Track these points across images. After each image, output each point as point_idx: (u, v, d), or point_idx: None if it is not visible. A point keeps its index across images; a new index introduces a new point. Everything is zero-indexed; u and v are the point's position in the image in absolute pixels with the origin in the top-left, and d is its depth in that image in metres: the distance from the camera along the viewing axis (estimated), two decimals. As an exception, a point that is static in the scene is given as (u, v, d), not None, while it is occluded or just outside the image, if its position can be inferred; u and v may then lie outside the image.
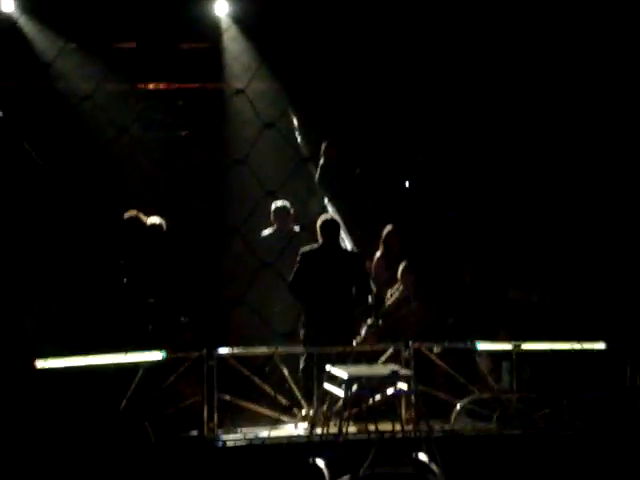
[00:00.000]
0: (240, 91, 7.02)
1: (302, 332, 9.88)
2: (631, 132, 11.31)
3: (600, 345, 9.69)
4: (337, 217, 11.44)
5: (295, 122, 12.72)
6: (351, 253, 10.40)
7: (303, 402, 9.48)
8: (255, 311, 8.76)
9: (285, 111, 11.06)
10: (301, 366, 9.74)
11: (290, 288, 9.79)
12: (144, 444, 8.82)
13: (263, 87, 11.81)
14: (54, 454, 8.47)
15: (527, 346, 9.76)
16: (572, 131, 11.43)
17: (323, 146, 12.35)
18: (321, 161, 12.35)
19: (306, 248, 9.92)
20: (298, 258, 9.81)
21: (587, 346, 9.65)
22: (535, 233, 10.87)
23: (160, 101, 12.91)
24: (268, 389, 9.39)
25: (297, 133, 12.77)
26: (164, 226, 10.35)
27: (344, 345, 9.43)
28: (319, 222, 10.08)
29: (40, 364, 8.87)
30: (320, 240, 9.98)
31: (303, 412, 9.48)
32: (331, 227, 10.04)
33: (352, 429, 8.90)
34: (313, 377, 9.39)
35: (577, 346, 9.57)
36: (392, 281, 10.72)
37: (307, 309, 9.80)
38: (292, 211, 11.31)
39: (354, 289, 9.89)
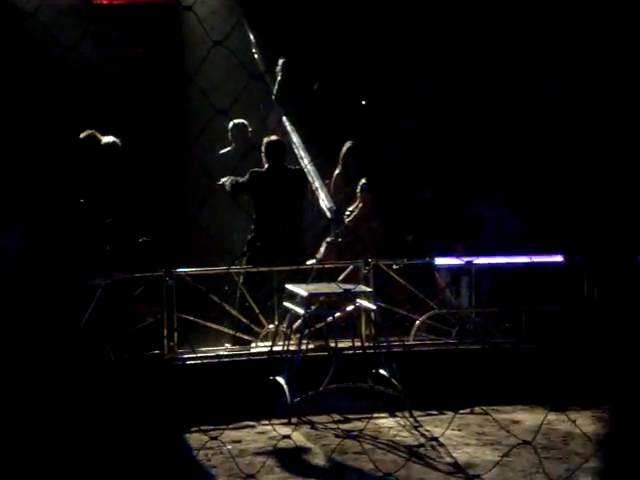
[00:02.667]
0: (188, 8, 6.86)
1: (246, 247, 9.87)
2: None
3: (558, 258, 9.72)
4: (295, 134, 11.41)
5: (252, 37, 12.55)
6: (296, 171, 10.31)
7: (262, 320, 9.48)
8: (207, 231, 8.72)
9: (236, 24, 10.88)
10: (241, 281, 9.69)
11: (232, 187, 9.89)
12: (103, 363, 8.81)
13: (218, 3, 11.62)
14: (12, 373, 8.46)
15: (485, 261, 9.80)
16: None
17: (280, 62, 12.21)
18: (278, 77, 12.22)
19: (255, 169, 9.90)
20: (247, 175, 9.81)
21: (545, 259, 9.69)
22: (496, 144, 10.81)
23: (114, 17, 12.66)
24: (228, 308, 9.39)
25: (254, 49, 12.60)
26: (119, 145, 10.23)
27: (292, 260, 9.42)
28: (264, 143, 10.04)
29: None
30: (265, 162, 9.94)
31: (263, 330, 9.48)
32: (276, 148, 9.99)
33: (312, 346, 8.94)
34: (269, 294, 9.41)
35: (535, 259, 9.60)
36: (351, 198, 10.70)
37: (254, 227, 9.79)
38: (250, 129, 11.22)
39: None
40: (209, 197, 7.42)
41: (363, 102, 12.30)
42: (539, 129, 10.86)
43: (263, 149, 10.02)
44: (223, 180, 10.04)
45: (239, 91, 8.65)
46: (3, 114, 9.85)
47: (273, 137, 10.22)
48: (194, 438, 7.82)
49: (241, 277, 9.58)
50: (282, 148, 10.12)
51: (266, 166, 9.98)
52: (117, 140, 10.19)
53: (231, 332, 9.47)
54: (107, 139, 10.17)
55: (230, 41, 8.87)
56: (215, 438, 7.14)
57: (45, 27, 7.45)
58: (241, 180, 9.89)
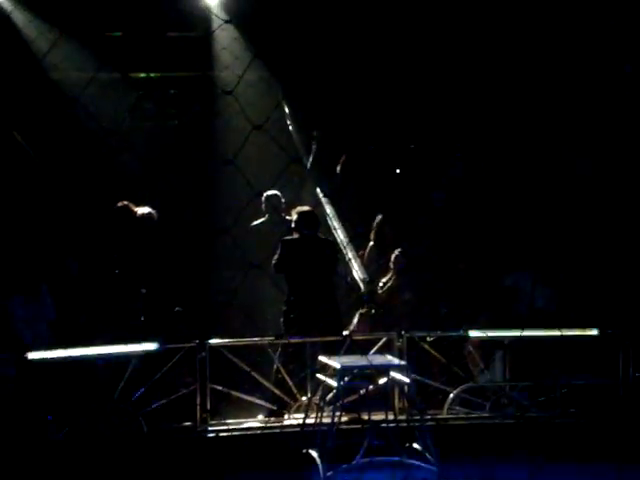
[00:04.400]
0: (228, 93, 7.00)
1: (282, 319, 9.86)
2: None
3: (593, 332, 9.65)
4: (328, 205, 11.45)
5: (287, 110, 12.66)
6: (328, 242, 10.31)
7: (296, 392, 9.44)
8: (239, 306, 8.75)
9: (277, 104, 11.07)
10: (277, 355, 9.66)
11: (275, 267, 9.86)
12: (137, 435, 8.80)
13: (254, 77, 11.76)
14: (47, 444, 8.47)
15: (519, 334, 9.72)
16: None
17: (314, 135, 12.31)
18: (313, 149, 12.31)
19: (287, 237, 9.96)
20: (279, 245, 9.84)
21: (580, 333, 9.61)
22: (529, 219, 10.82)
23: (151, 90, 12.84)
24: (261, 380, 9.36)
25: (288, 120, 12.71)
26: (154, 216, 10.32)
27: (327, 331, 9.41)
28: (295, 213, 10.09)
29: (32, 355, 8.86)
30: (295, 232, 10.01)
31: (296, 403, 9.44)
32: (309, 218, 10.03)
33: (345, 419, 8.89)
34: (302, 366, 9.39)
35: (570, 333, 9.52)
36: (384, 270, 10.70)
37: (288, 298, 9.81)
38: (283, 200, 11.28)
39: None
40: (245, 272, 7.53)
41: (397, 171, 12.35)
42: (570, 204, 10.88)
43: (295, 219, 10.06)
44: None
45: (273, 165, 8.76)
46: (43, 184, 9.98)
47: (305, 207, 10.25)
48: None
49: (277, 349, 9.57)
50: (315, 218, 10.12)
51: (296, 235, 10.01)
52: (152, 211, 10.29)
53: (264, 404, 9.45)
54: (142, 210, 10.27)
55: (265, 112, 9.01)
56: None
57: (84, 108, 7.61)
58: (277, 256, 9.93)
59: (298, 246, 9.90)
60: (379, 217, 11.15)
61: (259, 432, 9.05)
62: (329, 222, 11.43)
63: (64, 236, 10.76)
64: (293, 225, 10.06)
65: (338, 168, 11.68)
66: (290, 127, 12.54)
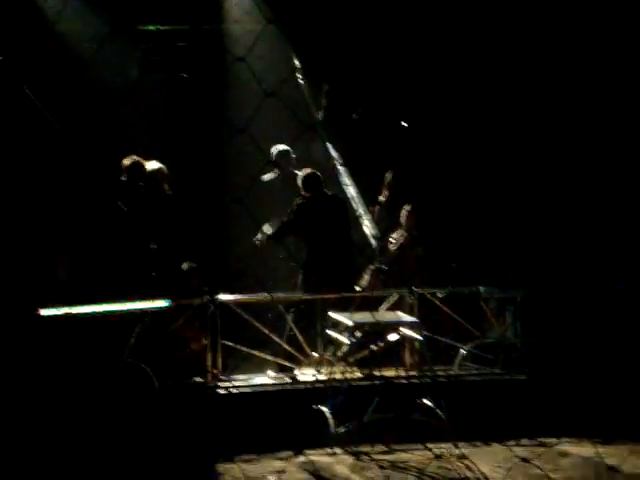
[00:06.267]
0: (240, 60, 6.95)
1: (300, 277, 9.84)
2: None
3: (606, 288, 9.58)
4: (339, 161, 11.38)
5: (297, 63, 12.53)
6: (335, 196, 10.33)
7: (306, 348, 9.42)
8: (258, 280, 8.75)
9: (293, 69, 10.99)
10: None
11: (275, 236, 10.01)
12: (147, 390, 8.81)
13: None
14: (57, 400, 8.47)
15: (530, 290, 9.68)
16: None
17: (324, 89, 12.20)
18: (323, 104, 12.21)
19: (299, 200, 9.96)
20: (294, 208, 9.83)
21: (592, 290, 9.56)
22: (546, 174, 10.74)
23: (159, 42, 12.71)
24: (272, 336, 9.35)
25: (299, 74, 12.58)
26: (165, 171, 10.23)
27: (346, 289, 9.37)
28: (301, 177, 10.13)
29: (43, 312, 8.85)
30: (304, 193, 10.03)
31: (307, 359, 9.43)
32: (314, 180, 10.09)
33: (356, 375, 8.88)
34: (313, 322, 9.38)
35: (581, 289, 9.46)
36: (395, 226, 10.64)
37: (307, 257, 9.79)
38: (293, 155, 11.19)
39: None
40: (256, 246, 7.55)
41: (404, 124, 12.22)
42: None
43: (300, 182, 10.10)
44: (259, 236, 10.15)
45: (285, 119, 8.64)
46: (51, 139, 9.90)
47: (308, 170, 10.25)
48: (236, 467, 7.78)
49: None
50: (318, 179, 10.14)
51: (307, 195, 10.01)
52: (162, 166, 10.19)
53: (275, 360, 9.44)
54: (152, 165, 10.16)
55: (275, 66, 8.88)
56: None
57: (94, 53, 7.53)
58: (285, 220, 9.91)
59: (310, 204, 9.90)
60: (390, 172, 11.08)
61: (270, 388, 9.04)
62: (339, 178, 11.37)
63: (72, 193, 10.70)
64: (301, 187, 10.05)
65: (354, 117, 11.60)
66: (301, 81, 12.41)
